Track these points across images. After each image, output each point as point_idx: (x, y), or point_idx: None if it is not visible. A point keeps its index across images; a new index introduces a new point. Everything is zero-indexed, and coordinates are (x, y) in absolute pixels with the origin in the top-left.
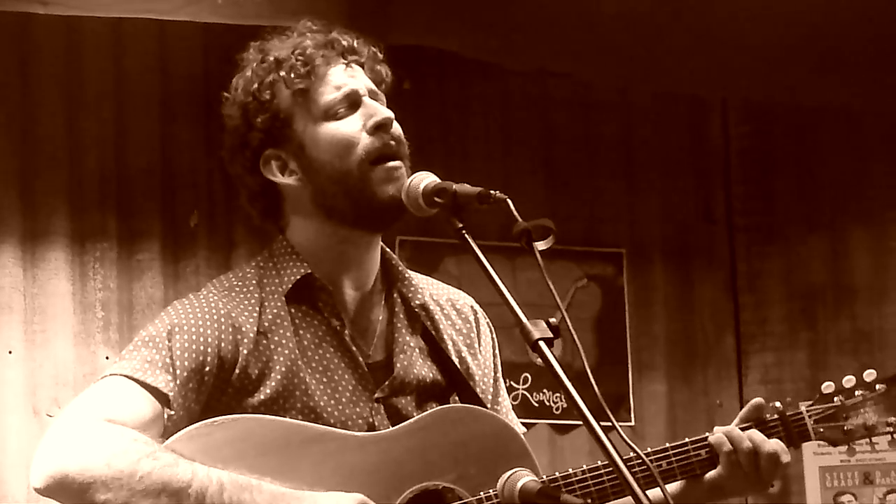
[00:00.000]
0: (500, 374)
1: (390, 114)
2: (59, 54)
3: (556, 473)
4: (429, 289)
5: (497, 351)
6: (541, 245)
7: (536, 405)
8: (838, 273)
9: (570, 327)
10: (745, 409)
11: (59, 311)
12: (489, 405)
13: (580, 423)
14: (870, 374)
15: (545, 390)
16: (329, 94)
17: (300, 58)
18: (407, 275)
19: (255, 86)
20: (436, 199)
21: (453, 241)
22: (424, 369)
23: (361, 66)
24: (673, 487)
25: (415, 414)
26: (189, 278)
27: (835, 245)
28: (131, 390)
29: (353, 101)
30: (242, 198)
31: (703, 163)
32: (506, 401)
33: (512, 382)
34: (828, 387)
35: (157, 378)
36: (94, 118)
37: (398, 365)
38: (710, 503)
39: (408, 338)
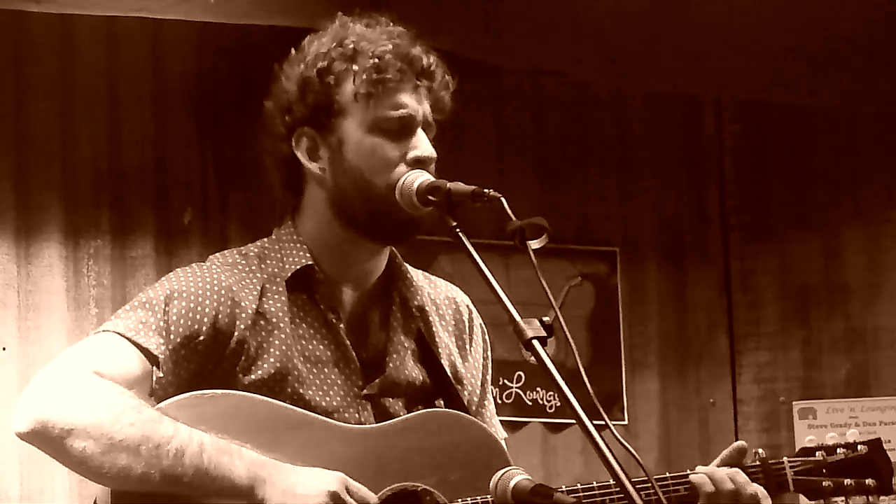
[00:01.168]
0: (488, 378)
1: (433, 154)
2: (53, 52)
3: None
4: (426, 287)
5: (489, 353)
6: (534, 243)
7: (530, 404)
8: (832, 272)
9: (564, 326)
10: (726, 452)
11: (53, 308)
12: (474, 410)
13: (573, 421)
14: (852, 435)
15: (538, 389)
16: (388, 109)
17: (378, 62)
18: (409, 275)
19: (325, 64)
20: (430, 197)
21: (447, 240)
22: (415, 371)
23: (429, 90)
24: None
25: (401, 414)
26: None
27: (828, 244)
28: (122, 347)
29: (406, 126)
30: (267, 161)
31: (696, 161)
32: (491, 405)
33: (505, 381)
34: (810, 441)
35: (150, 340)
36: (87, 115)
37: (390, 365)
38: None
39: (402, 338)
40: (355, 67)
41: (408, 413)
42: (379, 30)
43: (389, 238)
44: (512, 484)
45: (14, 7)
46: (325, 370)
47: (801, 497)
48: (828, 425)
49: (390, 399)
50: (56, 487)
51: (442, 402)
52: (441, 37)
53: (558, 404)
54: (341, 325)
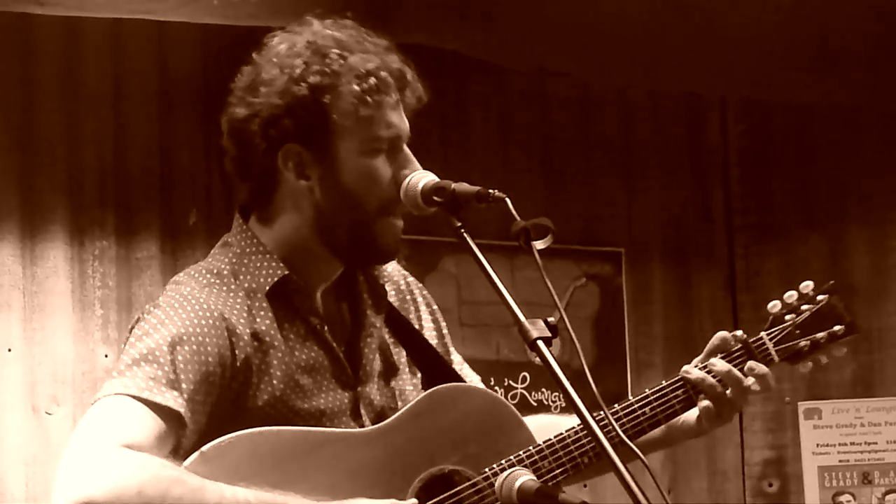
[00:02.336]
0: (445, 331)
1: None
2: (58, 54)
3: (531, 449)
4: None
5: (433, 305)
6: (539, 244)
7: (535, 404)
8: (837, 272)
9: (569, 326)
10: (709, 344)
11: (58, 309)
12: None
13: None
14: (806, 287)
15: (544, 389)
16: (380, 129)
17: (376, 82)
18: None
19: (318, 80)
20: (434, 197)
21: (452, 240)
22: (394, 348)
23: (405, 103)
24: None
25: (388, 397)
26: None
27: (834, 244)
28: (140, 411)
29: (394, 146)
30: (229, 165)
31: (701, 162)
32: (456, 356)
33: (510, 381)
34: (774, 306)
35: (165, 396)
36: (92, 117)
37: (366, 350)
38: (673, 444)
39: (373, 320)
40: (352, 86)
41: (391, 391)
42: (356, 37)
43: (360, 262)
44: (517, 484)
45: (19, 9)
46: (319, 376)
47: None
48: (833, 426)
49: (381, 383)
50: None
51: (421, 371)
52: (445, 37)
53: (563, 405)
54: (325, 328)
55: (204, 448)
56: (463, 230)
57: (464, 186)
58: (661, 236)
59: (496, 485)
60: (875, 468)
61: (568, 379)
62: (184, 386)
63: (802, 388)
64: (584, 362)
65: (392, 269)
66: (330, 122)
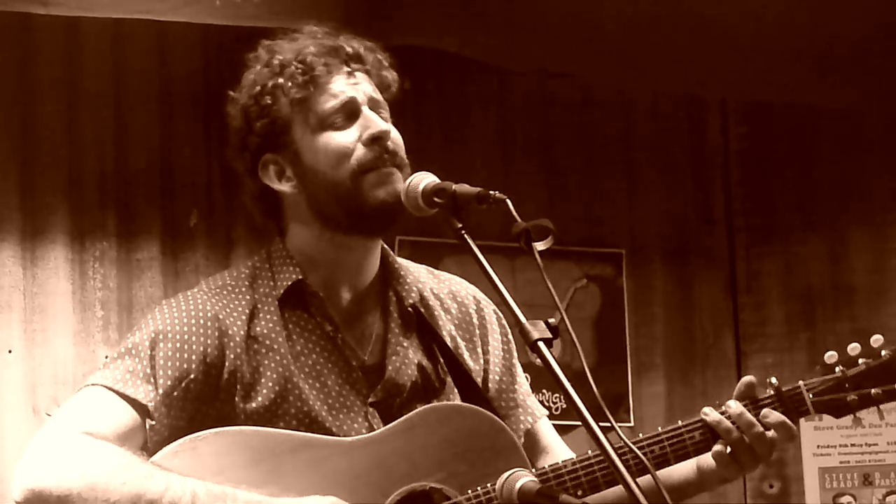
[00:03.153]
0: (515, 361)
1: (387, 126)
2: (59, 54)
3: (546, 467)
4: (429, 282)
5: (509, 336)
6: (540, 245)
7: None
8: (838, 274)
9: (569, 327)
10: (737, 389)
11: (59, 310)
12: (500, 396)
13: (579, 423)
14: (876, 341)
15: (544, 391)
16: (327, 102)
17: (301, 65)
18: (402, 273)
19: (258, 89)
20: (435, 199)
21: (453, 242)
22: (419, 369)
23: (367, 73)
24: (676, 475)
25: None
26: (188, 277)
27: (834, 246)
28: (111, 401)
29: (351, 111)
30: (245, 197)
31: (702, 163)
32: (523, 386)
33: None
34: (831, 356)
35: (138, 390)
36: (93, 118)
37: (390, 367)
38: (707, 489)
39: (401, 338)
40: (282, 80)
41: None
42: (302, 37)
43: (370, 226)
44: (518, 485)
45: (20, 9)
46: (329, 383)
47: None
48: (834, 427)
49: (398, 401)
50: None
51: (456, 395)
52: (446, 38)
53: (564, 406)
54: (339, 336)
55: (175, 443)
56: (464, 231)
57: (464, 188)
58: (662, 237)
59: (497, 486)
60: (876, 469)
61: (569, 380)
62: (160, 381)
63: None
64: (584, 363)
65: (466, 292)
66: (281, 120)
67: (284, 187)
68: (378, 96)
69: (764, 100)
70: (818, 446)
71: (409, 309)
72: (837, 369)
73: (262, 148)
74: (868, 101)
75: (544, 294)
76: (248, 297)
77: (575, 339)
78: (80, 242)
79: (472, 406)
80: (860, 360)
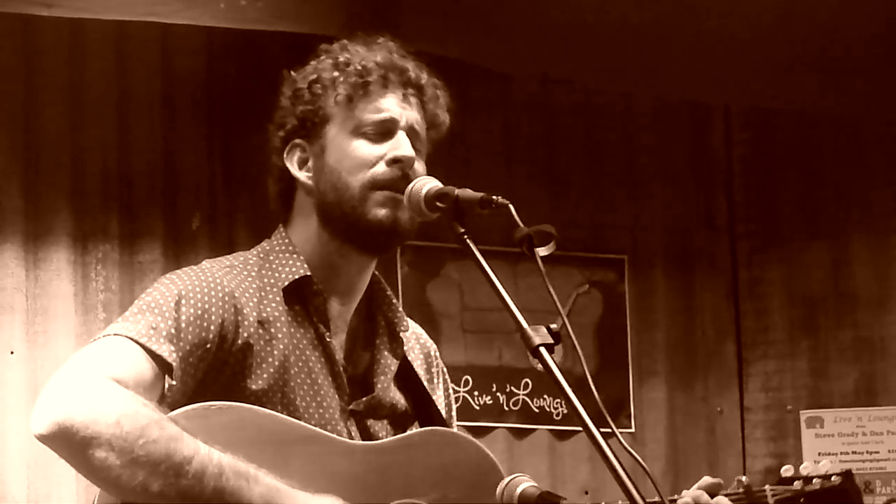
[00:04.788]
0: (454, 414)
1: (412, 154)
2: (63, 56)
3: None
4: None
5: (450, 391)
6: (542, 251)
7: (537, 411)
8: (840, 281)
9: (571, 333)
10: (702, 483)
11: (61, 313)
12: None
13: (580, 429)
14: (824, 466)
15: (546, 396)
16: (369, 113)
17: (360, 68)
18: (394, 302)
19: (314, 77)
20: (437, 203)
21: (455, 246)
22: (398, 395)
23: (421, 103)
24: None
25: (381, 435)
26: None
27: (836, 253)
28: (135, 353)
29: (387, 129)
30: (268, 177)
31: (705, 169)
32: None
33: (512, 388)
34: (787, 470)
35: (162, 347)
36: (96, 120)
37: (378, 385)
38: None
39: (389, 361)
40: (337, 74)
41: (390, 434)
42: (377, 47)
43: (364, 241)
44: (518, 491)
45: (24, 11)
46: (318, 382)
47: None
48: (835, 434)
49: (372, 419)
50: (63, 492)
51: (418, 426)
52: (450, 44)
53: (565, 412)
54: (332, 340)
55: (188, 407)
56: (466, 236)
57: (467, 193)
58: (665, 244)
59: (497, 491)
60: (877, 477)
61: (570, 385)
62: (181, 343)
63: (804, 397)
64: (586, 369)
65: (426, 337)
66: (321, 110)
67: (302, 176)
68: (420, 129)
69: (767, 107)
70: (819, 453)
71: (401, 336)
72: (796, 483)
73: (296, 132)
74: (871, 109)
75: (546, 299)
76: (256, 283)
77: (576, 345)
78: (82, 244)
79: (471, 438)
80: (814, 480)
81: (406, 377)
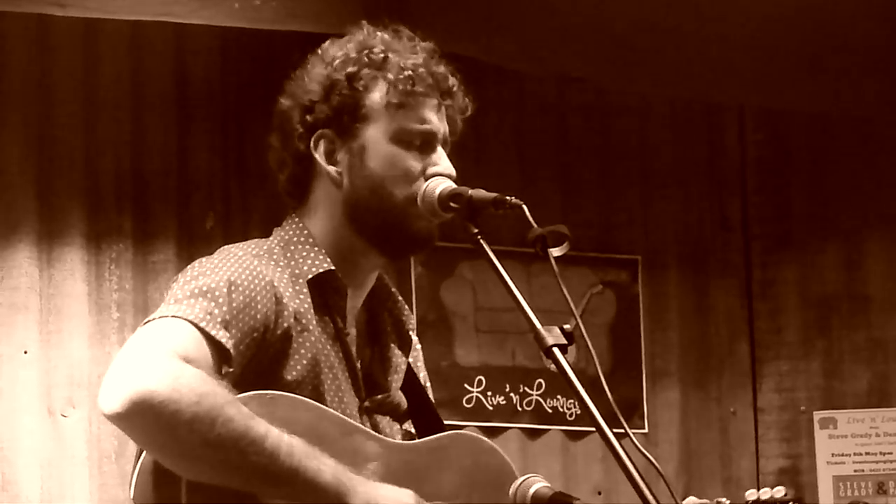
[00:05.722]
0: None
1: (453, 172)
2: (77, 56)
3: None
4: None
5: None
6: (556, 251)
7: (550, 411)
8: (853, 282)
9: (584, 333)
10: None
11: (75, 312)
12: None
13: (594, 429)
14: (779, 491)
15: (559, 396)
16: (412, 121)
17: (411, 74)
18: (399, 298)
19: (354, 69)
20: (451, 203)
21: (468, 247)
22: (400, 392)
23: (450, 112)
24: None
25: (387, 432)
26: None
27: (850, 253)
28: (196, 337)
29: (427, 141)
30: (272, 158)
31: (719, 170)
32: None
33: (526, 388)
34: (751, 494)
35: (220, 333)
36: (110, 120)
37: (393, 385)
38: None
39: (400, 360)
40: (388, 76)
41: (396, 432)
42: (405, 42)
43: (397, 251)
44: (531, 491)
45: (38, 11)
46: (339, 378)
47: None
48: (848, 435)
49: (384, 417)
50: (76, 492)
51: (412, 426)
52: (464, 43)
53: (578, 412)
54: (349, 335)
55: (243, 395)
56: (479, 237)
57: (481, 193)
58: (678, 244)
59: (510, 491)
60: (890, 478)
61: (583, 386)
62: (233, 331)
63: (818, 398)
64: (599, 370)
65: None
66: (362, 108)
67: (329, 168)
68: (448, 139)
69: (781, 107)
70: (832, 454)
71: (409, 334)
72: None
73: (327, 122)
74: (885, 110)
75: (559, 300)
76: (287, 274)
77: (590, 345)
78: (96, 244)
79: (493, 445)
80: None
81: (409, 375)
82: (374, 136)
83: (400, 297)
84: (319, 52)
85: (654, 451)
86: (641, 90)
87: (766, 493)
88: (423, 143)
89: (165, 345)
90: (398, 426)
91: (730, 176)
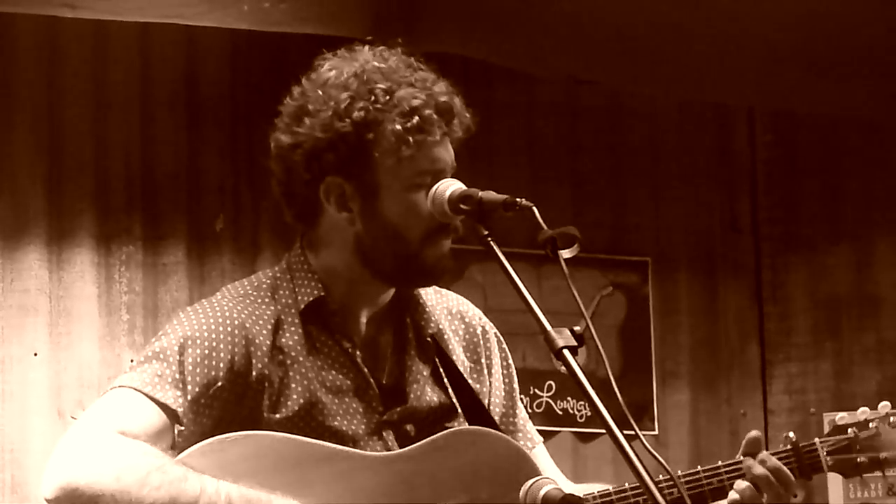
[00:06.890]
0: (515, 386)
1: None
2: (87, 58)
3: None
4: (436, 299)
5: (509, 361)
6: (566, 253)
7: (560, 413)
8: (863, 283)
9: (595, 335)
10: (744, 444)
11: (85, 314)
12: (505, 421)
13: (604, 431)
14: (884, 407)
15: (569, 398)
16: (423, 164)
17: (420, 120)
18: (421, 301)
19: (362, 115)
20: (461, 205)
21: (479, 249)
22: (435, 396)
23: (452, 137)
24: None
25: (422, 439)
26: (214, 282)
27: (860, 255)
28: (141, 403)
29: (437, 176)
30: (275, 187)
31: (728, 172)
32: (522, 412)
33: (536, 390)
34: (842, 418)
35: (167, 394)
36: (120, 122)
37: (411, 395)
38: None
39: (420, 366)
40: (396, 126)
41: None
42: (402, 69)
43: (411, 285)
44: (542, 493)
45: (48, 13)
46: (347, 399)
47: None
48: None
49: (412, 426)
50: None
51: (464, 421)
52: (474, 46)
53: (589, 414)
54: (357, 353)
55: (204, 442)
56: (490, 238)
57: (491, 195)
58: (688, 246)
59: (521, 493)
60: None
61: (593, 388)
62: (188, 388)
63: (828, 399)
64: (609, 371)
65: (472, 313)
66: (372, 158)
67: (340, 215)
68: (455, 163)
69: (791, 109)
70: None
71: (428, 339)
72: (850, 430)
73: (335, 169)
74: (893, 111)
75: (570, 302)
76: (271, 308)
77: (600, 347)
78: (106, 246)
79: (498, 433)
80: (871, 424)
81: (445, 373)
82: (386, 181)
83: (422, 300)
84: (314, 77)
85: (665, 453)
86: (652, 92)
87: (863, 413)
88: (434, 180)
89: (105, 421)
90: (438, 428)
91: (740, 178)
